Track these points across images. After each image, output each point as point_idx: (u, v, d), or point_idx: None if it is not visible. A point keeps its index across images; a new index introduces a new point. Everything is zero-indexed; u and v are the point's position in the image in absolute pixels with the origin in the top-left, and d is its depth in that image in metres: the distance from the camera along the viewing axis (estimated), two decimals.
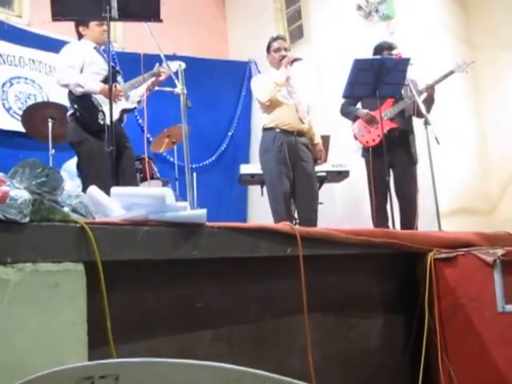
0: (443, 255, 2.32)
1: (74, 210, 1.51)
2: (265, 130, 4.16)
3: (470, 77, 5.25)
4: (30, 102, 5.31)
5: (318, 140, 4.37)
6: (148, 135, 5.70)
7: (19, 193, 1.33)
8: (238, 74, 7.14)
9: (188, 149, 3.15)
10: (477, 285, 2.23)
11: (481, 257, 2.22)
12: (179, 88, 3.10)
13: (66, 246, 1.40)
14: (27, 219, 1.34)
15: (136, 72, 3.92)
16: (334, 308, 2.18)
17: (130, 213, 1.55)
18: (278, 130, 4.07)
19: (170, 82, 3.26)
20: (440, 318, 2.29)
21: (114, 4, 2.88)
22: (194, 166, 5.95)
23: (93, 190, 1.62)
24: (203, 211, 1.63)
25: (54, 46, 5.32)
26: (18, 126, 5.01)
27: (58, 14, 2.86)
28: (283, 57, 4.11)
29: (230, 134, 7.00)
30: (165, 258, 1.59)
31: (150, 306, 1.65)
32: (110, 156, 2.95)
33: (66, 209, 1.46)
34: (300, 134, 4.13)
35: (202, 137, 6.36)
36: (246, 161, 6.82)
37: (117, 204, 1.61)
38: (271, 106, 4.12)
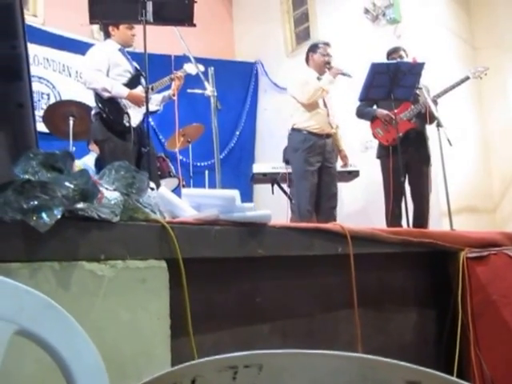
0: (475, 254, 2.43)
1: (152, 210, 1.59)
2: (294, 130, 4.34)
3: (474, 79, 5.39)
4: (44, 101, 5.37)
5: (342, 146, 4.57)
6: (160, 136, 5.81)
7: (112, 194, 1.41)
8: (244, 74, 7.25)
9: (218, 147, 3.24)
10: (508, 282, 2.34)
11: None
12: (209, 90, 3.19)
13: (150, 244, 1.48)
14: (117, 218, 1.42)
15: (157, 73, 4.01)
16: (374, 303, 2.27)
17: (203, 213, 1.64)
18: (307, 131, 4.27)
19: (199, 84, 3.34)
20: (472, 314, 2.39)
21: (150, 8, 2.97)
22: (203, 163, 6.04)
23: (163, 190, 1.70)
24: (268, 212, 1.72)
25: (68, 44, 5.42)
26: None
27: (96, 16, 2.94)
28: (328, 62, 4.31)
29: (237, 133, 7.11)
30: (234, 255, 1.68)
31: (216, 300, 1.74)
32: (147, 155, 3.05)
33: (146, 209, 1.54)
34: (328, 136, 4.33)
35: (211, 136, 6.45)
36: (252, 159, 6.95)
37: (186, 204, 1.69)
38: (308, 106, 4.29)
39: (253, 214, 1.69)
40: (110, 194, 1.40)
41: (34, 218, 1.23)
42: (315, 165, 4.22)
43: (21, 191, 1.24)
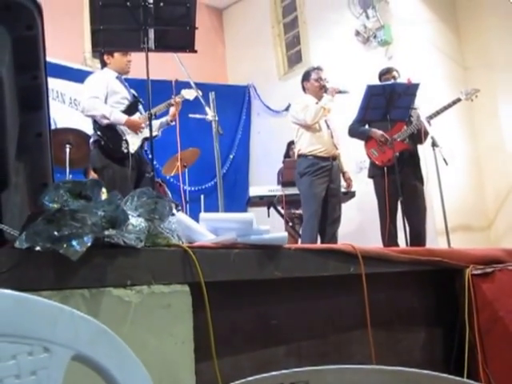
0: (480, 271, 2.46)
1: (172, 235, 1.61)
2: (300, 156, 4.40)
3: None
4: None
5: (346, 169, 4.63)
6: (154, 162, 5.82)
7: (137, 220, 1.43)
8: (237, 98, 7.32)
9: (220, 173, 3.28)
10: None
11: None
12: (210, 115, 3.23)
13: (173, 269, 1.50)
14: (142, 244, 1.44)
15: (156, 99, 4.05)
16: (384, 323, 2.29)
17: (221, 237, 1.66)
18: (314, 156, 4.33)
19: (199, 108, 3.39)
20: (479, 331, 2.42)
21: (151, 35, 3.01)
22: (197, 188, 6.07)
23: (181, 215, 1.72)
24: (284, 234, 1.75)
25: (61, 72, 5.45)
26: None
27: (98, 45, 2.98)
28: (323, 86, 4.38)
29: (230, 157, 7.15)
30: (252, 278, 1.71)
31: (233, 323, 1.75)
32: (151, 181, 3.07)
33: (167, 234, 1.56)
34: (334, 158, 4.40)
35: (204, 160, 6.49)
36: (247, 183, 6.97)
37: (204, 228, 1.72)
38: (312, 128, 4.36)
39: (269, 237, 1.71)
40: (135, 220, 1.42)
41: (65, 246, 1.25)
42: (321, 187, 4.28)
43: (51, 220, 1.26)
